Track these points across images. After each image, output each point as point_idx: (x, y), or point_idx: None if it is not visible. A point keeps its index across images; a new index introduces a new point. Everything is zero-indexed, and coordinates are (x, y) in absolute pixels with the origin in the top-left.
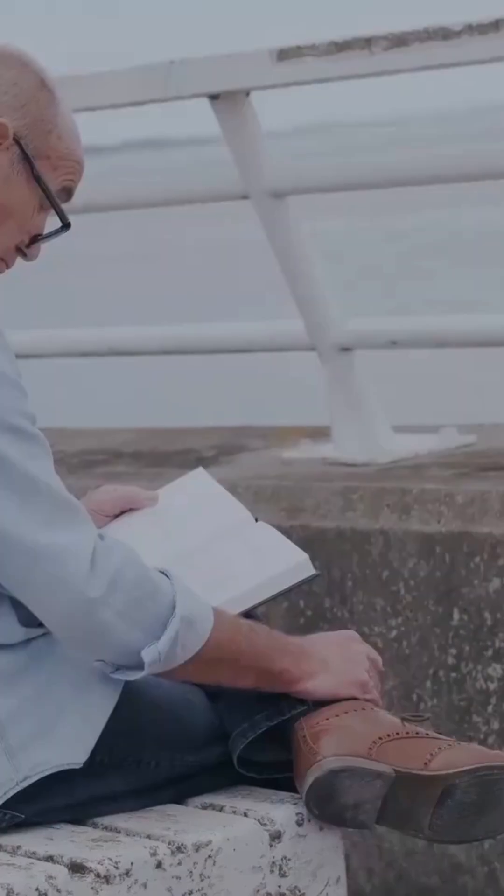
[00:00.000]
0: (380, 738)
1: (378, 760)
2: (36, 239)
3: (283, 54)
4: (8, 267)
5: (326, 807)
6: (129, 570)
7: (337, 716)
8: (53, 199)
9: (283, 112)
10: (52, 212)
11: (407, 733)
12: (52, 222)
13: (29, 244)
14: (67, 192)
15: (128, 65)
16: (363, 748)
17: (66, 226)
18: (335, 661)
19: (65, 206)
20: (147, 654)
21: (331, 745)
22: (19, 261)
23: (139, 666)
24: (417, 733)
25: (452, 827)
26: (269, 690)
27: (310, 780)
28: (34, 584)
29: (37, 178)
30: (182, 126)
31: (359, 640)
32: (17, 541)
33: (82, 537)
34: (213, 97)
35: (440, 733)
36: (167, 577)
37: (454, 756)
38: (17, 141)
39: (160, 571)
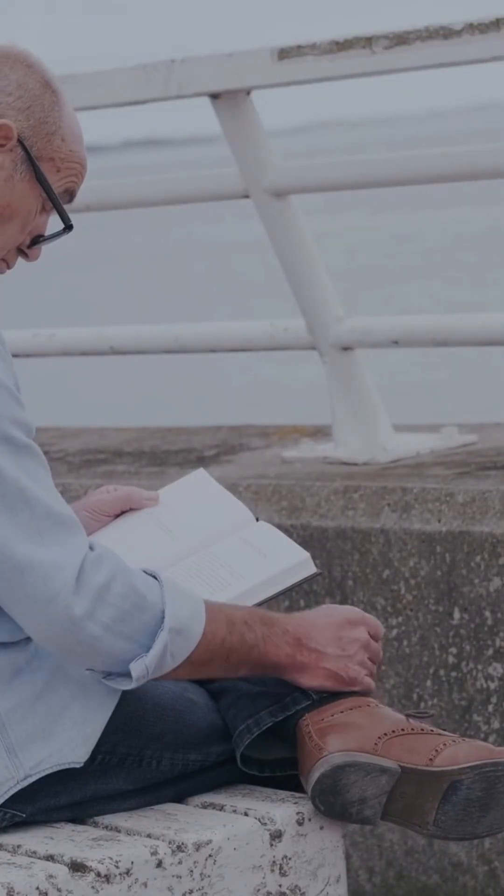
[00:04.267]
0: (385, 734)
1: (383, 756)
2: (38, 240)
3: (284, 53)
4: (9, 267)
5: (332, 802)
6: (116, 584)
7: (342, 712)
8: (56, 200)
9: (284, 111)
10: (54, 213)
11: (412, 729)
12: (54, 223)
13: (30, 245)
14: (70, 194)
15: (128, 64)
16: (369, 744)
17: (68, 227)
18: (329, 651)
19: (65, 205)
20: (135, 669)
21: (336, 741)
22: (19, 260)
23: (129, 675)
24: (422, 729)
25: (457, 823)
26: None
27: (315, 775)
28: (21, 597)
29: (40, 180)
30: (183, 125)
31: (357, 624)
32: (5, 554)
33: (71, 551)
34: (214, 96)
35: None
36: (157, 580)
37: (459, 752)
38: (20, 142)
39: (151, 575)
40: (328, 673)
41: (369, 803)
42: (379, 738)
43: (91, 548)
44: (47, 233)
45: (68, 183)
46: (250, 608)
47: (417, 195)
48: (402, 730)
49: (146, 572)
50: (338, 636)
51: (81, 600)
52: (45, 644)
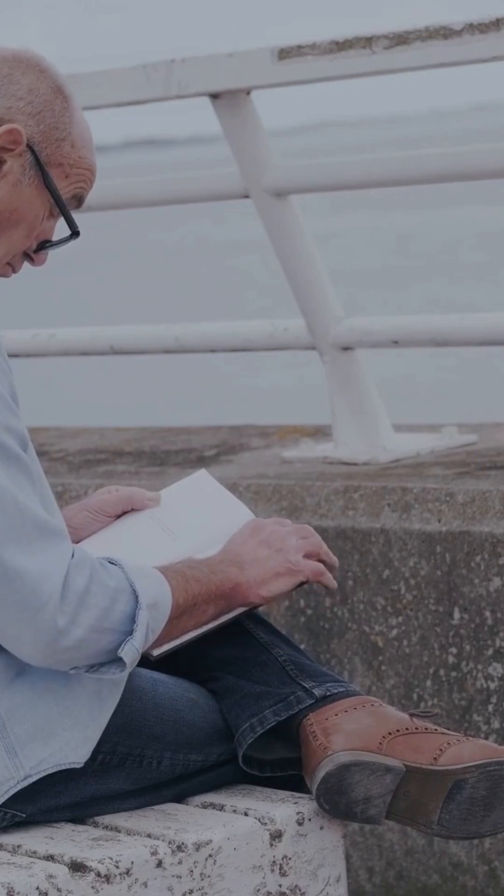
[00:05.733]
0: (389, 733)
1: (388, 755)
2: (44, 245)
3: (284, 53)
4: (15, 272)
5: (337, 801)
6: (94, 585)
7: (346, 711)
8: (64, 206)
9: (284, 111)
10: (62, 217)
11: (416, 728)
12: (61, 228)
13: (37, 250)
14: (78, 200)
15: (128, 64)
16: (373, 743)
17: (74, 234)
18: (262, 555)
19: (73, 210)
20: (127, 655)
21: (341, 740)
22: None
23: (115, 661)
24: (426, 728)
25: (461, 822)
26: (227, 614)
27: (321, 774)
28: (9, 604)
29: (48, 186)
30: (183, 125)
31: (264, 525)
32: None
33: (58, 560)
34: (214, 96)
35: None
36: (117, 565)
37: (463, 751)
38: (30, 147)
39: (109, 562)
40: (276, 574)
41: (374, 802)
42: (383, 737)
43: (72, 553)
44: (54, 238)
45: (77, 189)
46: (179, 561)
47: (424, 195)
48: (407, 729)
49: (106, 559)
50: (259, 541)
51: (66, 608)
52: (26, 654)
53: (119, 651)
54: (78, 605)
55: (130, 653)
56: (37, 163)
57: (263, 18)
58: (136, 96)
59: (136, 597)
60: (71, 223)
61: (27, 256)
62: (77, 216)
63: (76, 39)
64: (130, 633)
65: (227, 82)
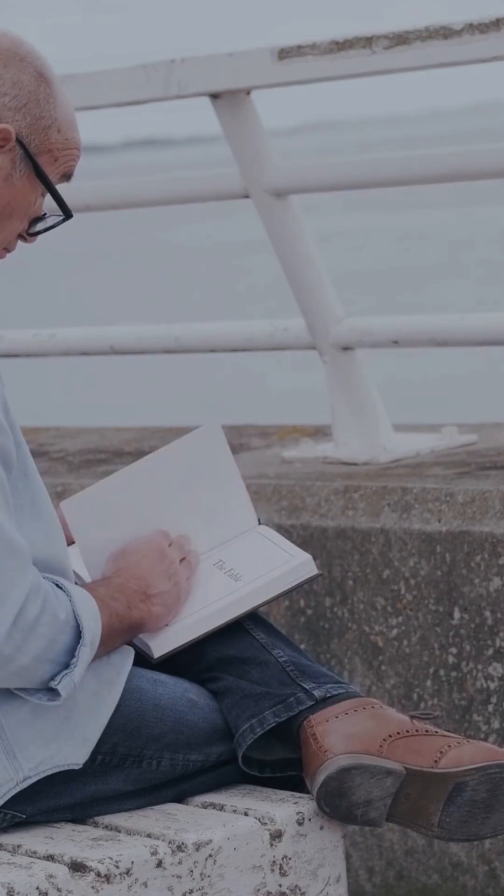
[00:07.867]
0: (389, 736)
1: (388, 758)
2: (37, 225)
3: (284, 53)
4: (9, 251)
5: (338, 804)
6: (45, 615)
7: (346, 713)
8: (56, 193)
9: (284, 111)
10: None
11: (416, 731)
12: (52, 204)
13: (30, 232)
14: (68, 176)
15: (128, 64)
16: (374, 746)
17: (67, 216)
18: (164, 588)
19: (65, 183)
20: (64, 688)
21: (341, 743)
22: (22, 254)
23: (45, 690)
24: (427, 731)
25: (461, 825)
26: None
27: (321, 777)
28: None
29: (39, 174)
30: (183, 125)
31: (166, 552)
32: None
33: (18, 587)
34: (214, 96)
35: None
36: (64, 591)
37: (464, 753)
38: (19, 141)
39: (57, 585)
40: (166, 609)
41: (374, 805)
42: (384, 739)
43: (32, 579)
44: (47, 223)
45: (66, 168)
46: (104, 580)
47: (433, 193)
48: (407, 731)
49: (55, 583)
50: (163, 570)
51: (15, 635)
52: None
53: (54, 683)
54: (27, 633)
55: (67, 686)
56: (27, 155)
57: (263, 18)
58: (136, 96)
59: (80, 632)
60: (64, 208)
61: (20, 237)
62: (77, 216)
63: (76, 39)
64: (67, 665)
65: (227, 82)
